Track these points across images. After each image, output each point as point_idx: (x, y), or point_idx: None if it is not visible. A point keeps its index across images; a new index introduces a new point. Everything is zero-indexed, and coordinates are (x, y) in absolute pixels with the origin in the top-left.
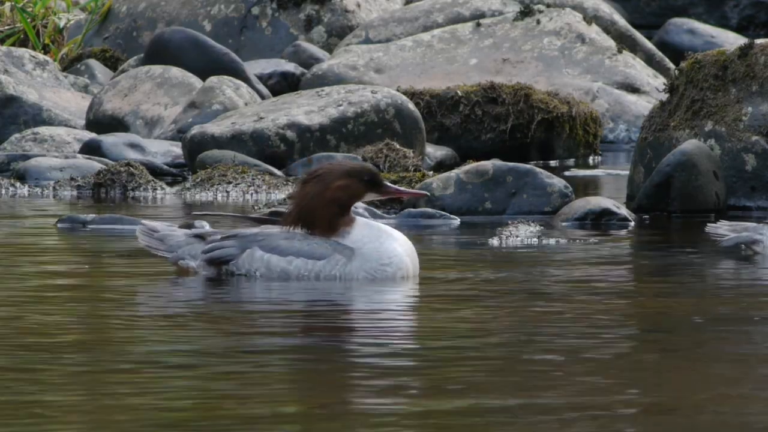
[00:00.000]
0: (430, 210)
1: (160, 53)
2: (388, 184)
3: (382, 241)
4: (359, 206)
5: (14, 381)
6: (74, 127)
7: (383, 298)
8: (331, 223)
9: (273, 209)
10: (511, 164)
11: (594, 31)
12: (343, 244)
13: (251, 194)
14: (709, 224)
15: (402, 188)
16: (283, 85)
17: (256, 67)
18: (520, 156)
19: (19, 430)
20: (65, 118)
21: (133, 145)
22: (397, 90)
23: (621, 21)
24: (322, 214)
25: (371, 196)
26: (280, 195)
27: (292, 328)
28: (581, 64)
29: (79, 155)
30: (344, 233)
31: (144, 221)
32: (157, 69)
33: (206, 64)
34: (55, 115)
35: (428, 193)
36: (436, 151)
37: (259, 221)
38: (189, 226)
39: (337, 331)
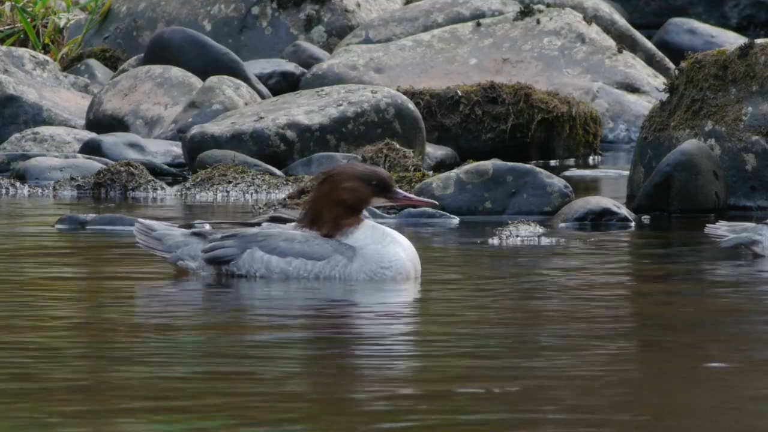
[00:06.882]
0: (430, 210)
1: (160, 53)
2: (398, 190)
3: (385, 243)
4: None
5: (13, 382)
6: (74, 127)
7: (382, 297)
8: (335, 223)
9: (273, 214)
10: (511, 164)
11: (594, 31)
12: (345, 244)
13: (251, 194)
14: (708, 225)
15: (411, 196)
16: (283, 84)
17: (256, 67)
18: (520, 156)
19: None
20: (65, 118)
21: (133, 145)
22: (397, 90)
23: (621, 21)
24: (327, 214)
25: (380, 201)
26: (280, 195)
27: (291, 330)
28: (581, 63)
29: (79, 155)
30: (348, 233)
31: (141, 219)
32: (157, 69)
33: (206, 64)
34: (55, 114)
35: (437, 203)
36: (436, 151)
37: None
38: (189, 227)
39: (334, 331)
